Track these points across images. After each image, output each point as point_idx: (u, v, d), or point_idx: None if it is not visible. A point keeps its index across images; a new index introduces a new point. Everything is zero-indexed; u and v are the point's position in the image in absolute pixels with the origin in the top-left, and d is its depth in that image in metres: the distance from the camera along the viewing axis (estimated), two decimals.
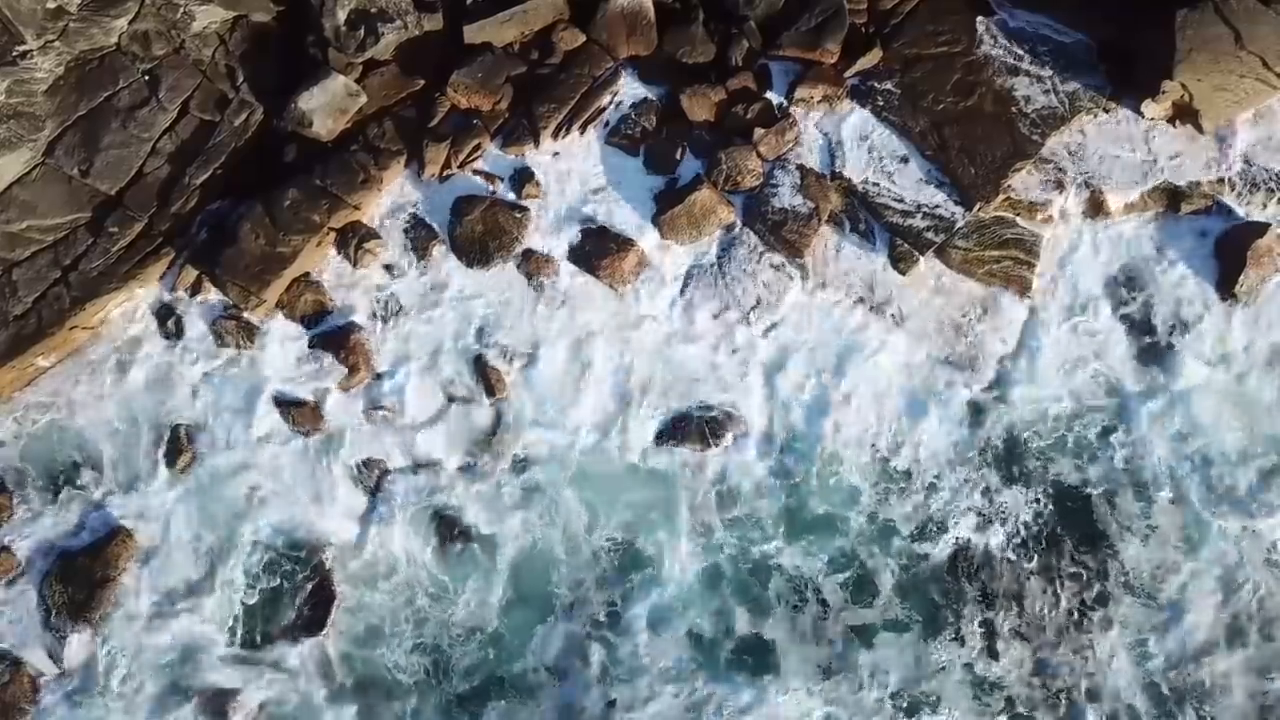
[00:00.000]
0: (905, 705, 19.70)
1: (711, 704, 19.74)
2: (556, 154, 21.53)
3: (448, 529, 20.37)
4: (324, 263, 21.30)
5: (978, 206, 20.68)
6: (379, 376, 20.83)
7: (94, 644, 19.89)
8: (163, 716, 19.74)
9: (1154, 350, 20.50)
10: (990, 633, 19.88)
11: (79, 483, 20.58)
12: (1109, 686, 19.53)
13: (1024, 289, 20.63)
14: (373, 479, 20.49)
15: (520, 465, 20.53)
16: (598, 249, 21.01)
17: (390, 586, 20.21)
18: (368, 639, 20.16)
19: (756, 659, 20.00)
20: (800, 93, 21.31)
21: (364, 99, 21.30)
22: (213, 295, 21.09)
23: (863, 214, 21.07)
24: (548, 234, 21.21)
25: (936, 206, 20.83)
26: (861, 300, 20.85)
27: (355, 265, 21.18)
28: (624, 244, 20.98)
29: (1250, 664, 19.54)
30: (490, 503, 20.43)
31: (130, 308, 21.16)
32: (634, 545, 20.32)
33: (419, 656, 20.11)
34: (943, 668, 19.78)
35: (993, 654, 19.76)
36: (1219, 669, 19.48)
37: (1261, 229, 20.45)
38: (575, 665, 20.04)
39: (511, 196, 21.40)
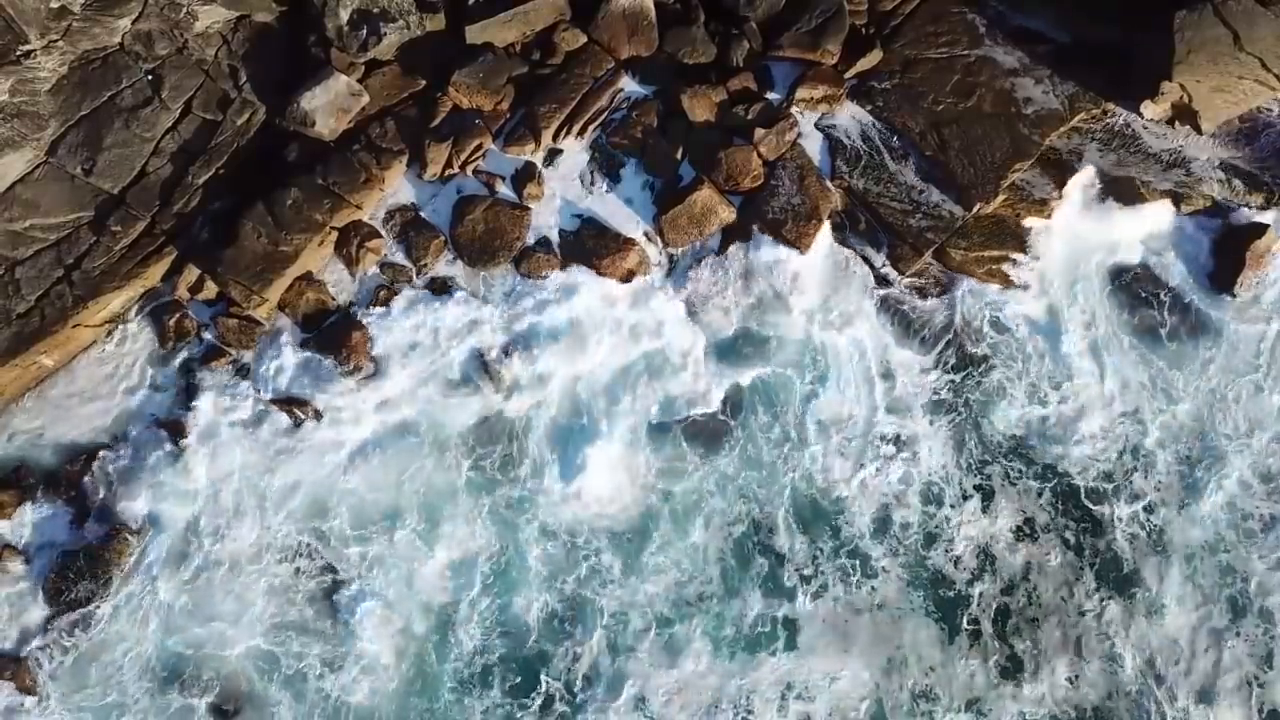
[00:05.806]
0: None
1: None
2: (558, 154, 21.61)
3: None
4: (326, 261, 21.37)
5: (977, 206, 20.75)
6: (380, 374, 20.90)
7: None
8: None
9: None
10: None
11: (80, 481, 20.57)
12: None
13: (1022, 287, 20.74)
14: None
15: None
16: (599, 248, 21.09)
17: None
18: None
19: None
20: (800, 93, 21.39)
21: (366, 98, 21.39)
22: (214, 294, 21.17)
23: (862, 214, 21.16)
24: (549, 233, 21.29)
25: (936, 206, 20.89)
26: None
27: (357, 264, 21.25)
28: (625, 243, 21.05)
29: None
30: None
31: (133, 306, 21.21)
32: None
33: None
34: None
35: None
36: None
37: (1260, 229, 20.54)
38: None
39: (512, 196, 21.48)
